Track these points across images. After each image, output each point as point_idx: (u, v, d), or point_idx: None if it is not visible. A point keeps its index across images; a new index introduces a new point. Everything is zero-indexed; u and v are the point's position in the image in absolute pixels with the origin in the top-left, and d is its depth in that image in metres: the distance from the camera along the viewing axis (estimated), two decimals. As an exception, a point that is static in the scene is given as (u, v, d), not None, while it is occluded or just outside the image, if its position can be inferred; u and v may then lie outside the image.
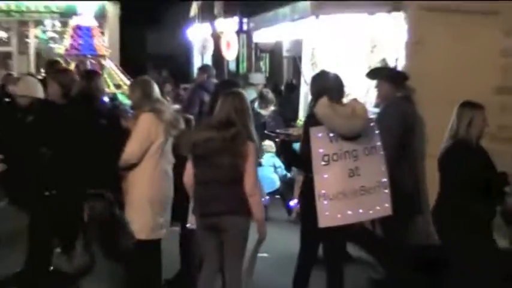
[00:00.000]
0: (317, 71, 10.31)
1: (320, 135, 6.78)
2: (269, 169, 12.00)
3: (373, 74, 8.60)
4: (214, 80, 12.44)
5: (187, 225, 7.67)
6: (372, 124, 6.99)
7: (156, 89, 7.96)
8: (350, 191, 6.89)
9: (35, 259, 8.46)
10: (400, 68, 9.22)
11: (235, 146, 6.58)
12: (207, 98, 11.80)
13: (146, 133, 7.54)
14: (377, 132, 7.00)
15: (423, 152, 8.41)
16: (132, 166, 7.63)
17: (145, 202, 7.63)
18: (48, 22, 35.38)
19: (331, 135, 6.77)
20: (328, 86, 7.26)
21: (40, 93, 9.47)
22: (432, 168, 7.78)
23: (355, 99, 7.17)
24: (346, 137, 6.81)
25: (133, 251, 8.04)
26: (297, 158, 7.36)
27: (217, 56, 24.92)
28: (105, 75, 18.86)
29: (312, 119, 7.06)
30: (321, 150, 6.81)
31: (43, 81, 10.20)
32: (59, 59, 16.88)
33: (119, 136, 7.89)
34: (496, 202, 7.19)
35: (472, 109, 6.98)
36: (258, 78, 15.12)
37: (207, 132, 6.74)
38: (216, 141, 6.58)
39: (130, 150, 7.51)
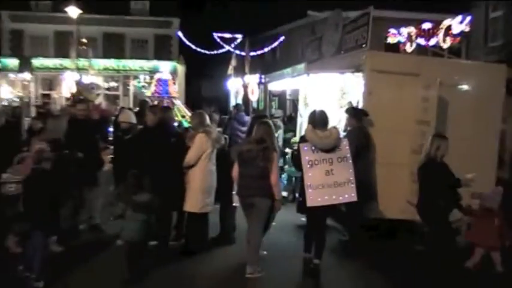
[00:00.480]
0: (308, 109, 10.94)
1: (306, 148, 7.89)
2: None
3: (346, 111, 9.74)
4: (243, 114, 12.65)
5: (233, 204, 8.80)
6: (344, 143, 7.98)
7: (207, 118, 8.91)
8: (326, 184, 7.80)
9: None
10: (360, 107, 9.91)
11: (266, 155, 7.62)
12: (237, 125, 12.14)
13: (200, 146, 8.52)
14: (347, 148, 7.96)
15: (374, 159, 9.49)
16: (191, 166, 8.56)
17: (198, 189, 8.57)
18: (141, 76, 35.15)
19: (313, 148, 7.85)
20: (315, 119, 8.28)
21: (134, 120, 10.44)
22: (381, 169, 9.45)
23: (334, 127, 8.27)
24: (323, 149, 7.86)
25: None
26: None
27: (245, 98, 26.39)
28: (175, 109, 19.55)
29: (302, 138, 8.34)
30: (306, 158, 7.88)
31: (138, 113, 10.85)
32: (147, 99, 17.59)
33: (183, 149, 8.64)
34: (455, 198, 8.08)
35: (440, 139, 7.91)
36: (279, 112, 17.16)
37: (249, 145, 7.83)
38: (254, 151, 7.65)
39: (190, 156, 8.52)
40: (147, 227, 7.53)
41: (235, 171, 7.84)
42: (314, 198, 7.70)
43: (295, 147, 9.54)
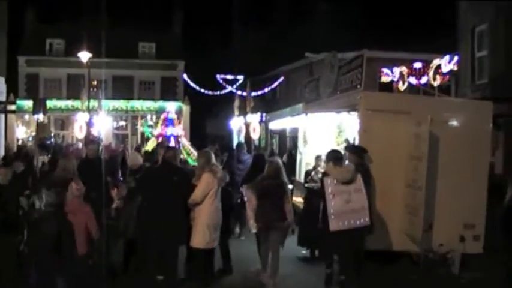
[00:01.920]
0: (307, 146, 10.92)
1: (329, 181, 8.48)
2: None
3: (346, 148, 9.89)
4: (244, 151, 12.60)
5: (252, 231, 9.25)
6: (358, 177, 8.37)
7: (213, 157, 9.00)
8: (346, 211, 8.26)
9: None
10: (356, 144, 9.96)
11: (281, 188, 8.83)
12: (236, 163, 12.94)
13: (206, 185, 8.54)
14: (361, 181, 8.36)
15: (374, 193, 9.33)
16: (197, 204, 8.54)
17: (205, 225, 8.55)
18: (148, 116, 35.41)
19: (335, 181, 8.41)
20: (334, 157, 8.70)
21: (141, 161, 10.51)
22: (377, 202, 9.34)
23: (349, 164, 8.76)
24: (342, 182, 8.35)
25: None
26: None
27: (248, 136, 25.51)
28: (181, 147, 19.48)
29: (325, 173, 8.96)
30: (329, 189, 8.41)
31: (149, 152, 10.88)
32: (154, 138, 17.65)
33: (189, 186, 8.62)
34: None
35: None
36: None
37: (267, 181, 8.84)
38: (271, 186, 8.72)
39: (197, 195, 8.50)
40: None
41: (252, 203, 8.87)
42: (336, 223, 8.23)
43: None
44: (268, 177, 8.89)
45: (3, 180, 8.41)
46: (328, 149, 8.96)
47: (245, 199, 9.47)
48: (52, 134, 33.92)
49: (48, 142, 28.04)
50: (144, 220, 8.43)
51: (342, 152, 9.46)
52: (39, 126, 19.02)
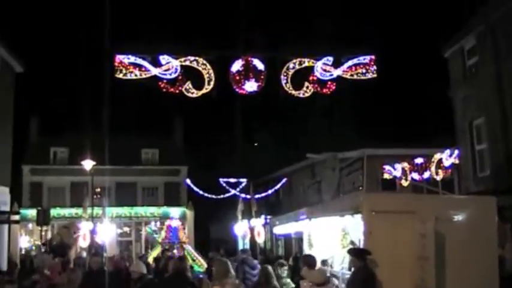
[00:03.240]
0: (313, 249, 10.87)
1: (305, 284, 8.96)
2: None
3: (349, 251, 9.81)
4: (251, 258, 12.50)
5: None
6: (334, 281, 8.19)
7: (231, 268, 8.41)
8: None
9: None
10: (362, 246, 9.89)
11: None
12: (248, 269, 12.00)
13: None
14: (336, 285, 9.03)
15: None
16: None
17: None
18: (152, 222, 35.30)
19: (310, 284, 8.83)
20: (308, 261, 9.30)
21: (144, 270, 10.36)
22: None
23: (321, 268, 9.56)
24: (317, 284, 8.70)
25: None
26: None
27: (252, 240, 25.93)
28: (185, 253, 19.29)
29: (301, 277, 9.40)
30: None
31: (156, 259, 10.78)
32: (159, 245, 17.51)
33: None
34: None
35: None
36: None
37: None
38: None
39: None
40: None
41: None
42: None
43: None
44: (259, 283, 9.29)
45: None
46: (333, 252, 9.06)
47: None
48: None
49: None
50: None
51: (347, 255, 9.51)
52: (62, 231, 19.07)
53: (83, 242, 28.97)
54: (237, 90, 14.40)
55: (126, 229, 42.43)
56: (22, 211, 39.66)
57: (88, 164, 28.54)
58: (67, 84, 59.60)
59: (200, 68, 14.45)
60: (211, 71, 14.50)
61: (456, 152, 21.42)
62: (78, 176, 37.83)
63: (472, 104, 21.89)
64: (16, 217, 30.49)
